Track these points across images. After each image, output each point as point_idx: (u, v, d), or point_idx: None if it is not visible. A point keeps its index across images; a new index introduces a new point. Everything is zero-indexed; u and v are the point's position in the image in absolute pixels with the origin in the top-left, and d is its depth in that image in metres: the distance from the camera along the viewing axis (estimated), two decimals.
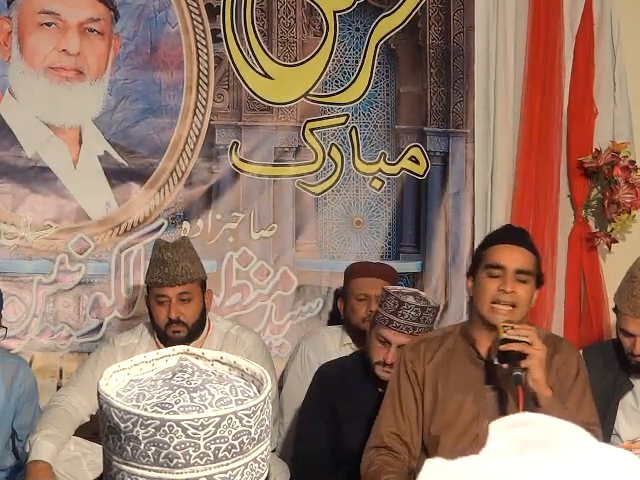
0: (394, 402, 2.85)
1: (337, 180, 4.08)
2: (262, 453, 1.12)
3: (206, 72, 3.96)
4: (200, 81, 3.95)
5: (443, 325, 3.70)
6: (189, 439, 1.06)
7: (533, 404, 2.59)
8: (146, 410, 1.07)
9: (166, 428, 1.06)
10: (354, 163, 4.10)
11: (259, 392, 1.13)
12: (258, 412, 1.10)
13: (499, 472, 0.76)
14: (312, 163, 4.07)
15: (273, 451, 3.44)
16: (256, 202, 4.01)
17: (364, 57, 4.10)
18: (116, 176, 3.88)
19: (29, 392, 3.39)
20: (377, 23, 4.10)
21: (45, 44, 3.82)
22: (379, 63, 4.12)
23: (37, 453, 3.07)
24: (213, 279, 3.77)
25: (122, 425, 1.07)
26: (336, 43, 4.07)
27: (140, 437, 1.06)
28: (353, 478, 2.89)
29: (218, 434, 1.07)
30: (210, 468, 1.08)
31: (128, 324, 3.77)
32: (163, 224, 3.93)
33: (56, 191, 3.83)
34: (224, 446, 1.08)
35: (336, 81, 4.09)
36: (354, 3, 4.08)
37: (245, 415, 1.09)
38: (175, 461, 1.06)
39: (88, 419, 3.28)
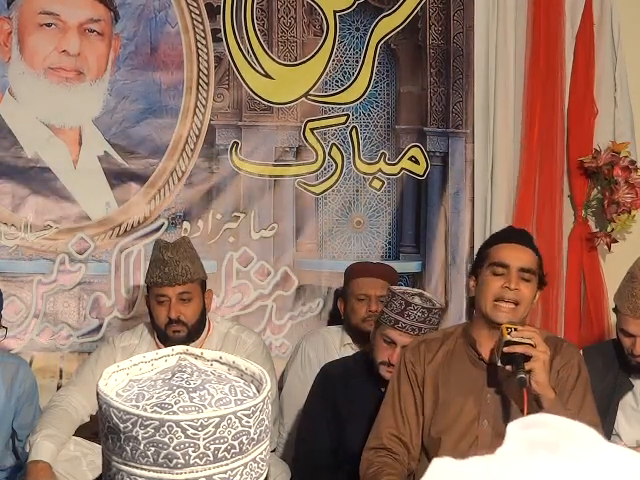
0: (394, 403, 2.85)
1: (337, 180, 4.08)
2: (262, 453, 1.12)
3: (206, 72, 3.96)
4: (200, 81, 3.95)
5: (443, 325, 3.70)
6: (188, 439, 1.06)
7: (536, 406, 2.59)
8: (145, 410, 1.07)
9: (165, 428, 1.06)
10: (354, 163, 4.10)
11: (258, 392, 1.13)
12: (257, 412, 1.10)
13: (503, 473, 0.76)
14: (312, 163, 4.07)
15: (273, 451, 3.44)
16: (256, 202, 4.01)
17: (364, 57, 4.10)
18: (116, 176, 3.88)
19: (29, 392, 3.39)
20: (377, 23, 4.10)
21: (45, 45, 3.82)
22: (379, 63, 4.12)
23: (37, 453, 3.07)
24: (213, 279, 3.77)
25: (121, 425, 1.07)
26: (336, 43, 4.07)
27: (139, 437, 1.06)
28: (355, 478, 2.89)
29: (217, 434, 1.07)
30: (209, 468, 1.08)
31: (128, 324, 3.77)
32: (163, 224, 3.93)
33: (56, 191, 3.83)
34: (223, 446, 1.08)
35: (336, 81, 4.09)
36: (354, 3, 4.08)
37: (244, 415, 1.09)
38: (174, 461, 1.06)
39: (88, 419, 3.28)
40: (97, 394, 1.11)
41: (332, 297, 4.04)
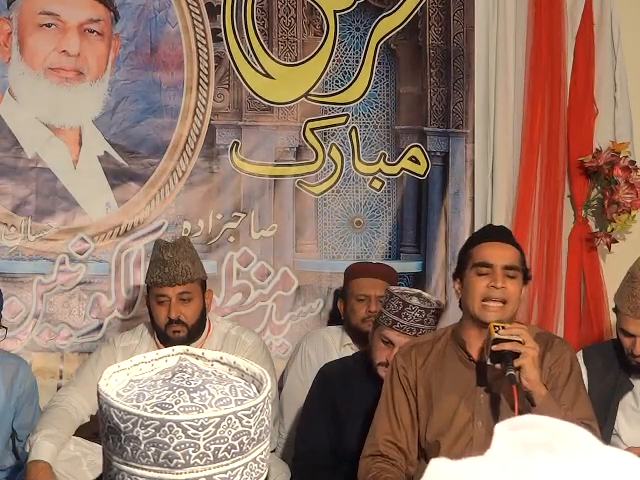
0: (388, 409, 2.84)
1: (337, 180, 4.08)
2: (262, 453, 1.12)
3: (206, 72, 3.96)
4: (200, 81, 3.95)
5: (443, 325, 3.70)
6: (189, 439, 1.06)
7: (528, 403, 2.59)
8: (146, 410, 1.07)
9: (166, 428, 1.06)
10: (354, 163, 4.10)
11: (259, 392, 1.13)
12: (258, 412, 1.10)
13: (503, 472, 0.76)
14: (312, 163, 4.07)
15: (273, 451, 3.44)
16: (256, 202, 4.01)
17: (364, 57, 4.10)
18: (116, 176, 3.88)
19: (29, 392, 3.39)
20: (377, 23, 4.10)
21: (45, 45, 3.82)
22: (379, 63, 4.12)
23: (37, 453, 3.07)
24: (213, 279, 3.77)
25: (122, 425, 1.07)
26: (336, 43, 4.07)
27: (140, 437, 1.06)
28: (354, 478, 2.89)
29: (218, 434, 1.07)
30: (210, 468, 1.08)
31: (128, 324, 3.77)
32: (163, 224, 3.93)
33: (56, 192, 3.83)
34: (224, 446, 1.08)
35: (336, 81, 4.09)
36: (354, 3, 4.08)
37: (245, 415, 1.09)
38: (175, 461, 1.06)
39: (88, 419, 3.28)
40: (98, 394, 1.11)
41: (332, 297, 4.04)
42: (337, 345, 3.71)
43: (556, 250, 4.08)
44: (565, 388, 2.73)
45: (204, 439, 1.06)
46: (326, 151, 4.07)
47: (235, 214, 3.99)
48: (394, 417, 2.82)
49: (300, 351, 3.74)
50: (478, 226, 4.09)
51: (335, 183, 4.08)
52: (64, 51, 3.82)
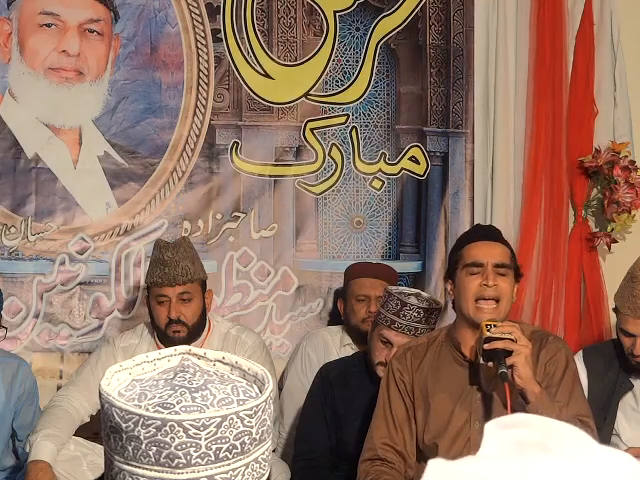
0: (385, 413, 2.83)
1: (337, 180, 4.08)
2: (263, 453, 1.12)
3: (206, 72, 3.96)
4: (200, 81, 3.96)
5: (442, 325, 3.70)
6: (190, 439, 1.06)
7: (522, 401, 2.58)
8: (148, 410, 1.07)
9: (167, 428, 1.06)
10: (354, 163, 4.10)
11: (261, 392, 1.13)
12: (260, 412, 1.10)
13: (500, 472, 0.76)
14: (312, 163, 4.07)
15: (273, 451, 3.44)
16: (256, 202, 4.01)
17: (364, 57, 4.10)
18: (116, 176, 3.89)
19: (29, 392, 3.39)
20: (377, 23, 4.10)
21: (45, 45, 3.82)
22: (379, 63, 4.12)
23: (37, 453, 3.07)
24: (213, 279, 3.77)
25: (123, 425, 1.07)
26: (336, 43, 4.07)
27: (141, 437, 1.06)
28: (354, 478, 2.89)
29: (219, 434, 1.07)
30: (211, 468, 1.08)
31: (128, 324, 3.77)
32: (163, 224, 3.93)
33: (56, 192, 3.83)
34: (225, 446, 1.08)
35: (336, 81, 4.09)
36: (354, 3, 4.08)
37: (247, 415, 1.09)
38: (176, 461, 1.06)
39: (88, 419, 3.28)
40: (99, 393, 1.11)
41: (332, 297, 4.04)
42: (337, 345, 3.71)
43: (561, 250, 4.08)
44: (561, 385, 2.73)
45: (205, 439, 1.06)
46: (326, 151, 4.07)
47: (235, 214, 3.99)
48: (391, 420, 2.82)
49: (300, 351, 3.74)
50: None
51: (335, 183, 4.08)
52: (64, 51, 3.83)
